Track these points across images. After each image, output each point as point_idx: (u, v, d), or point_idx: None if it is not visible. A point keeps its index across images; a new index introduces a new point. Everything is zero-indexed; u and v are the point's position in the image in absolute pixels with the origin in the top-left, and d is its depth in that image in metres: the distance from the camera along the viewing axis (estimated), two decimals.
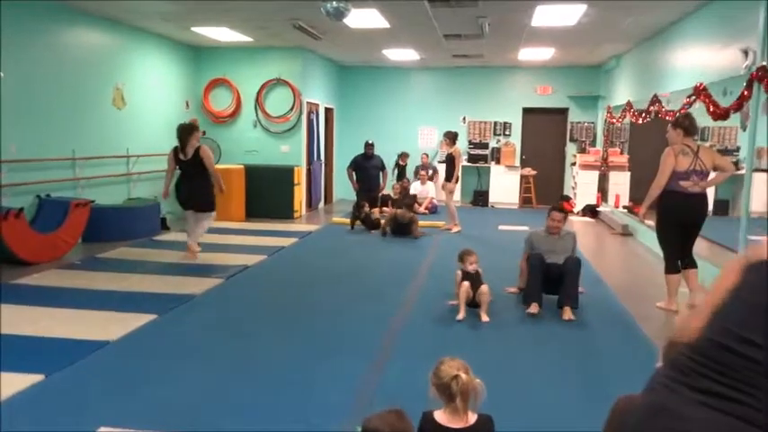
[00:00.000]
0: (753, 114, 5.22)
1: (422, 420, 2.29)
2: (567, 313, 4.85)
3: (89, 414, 3.06)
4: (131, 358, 3.88)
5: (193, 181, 6.51)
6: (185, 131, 6.45)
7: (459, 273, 5.05)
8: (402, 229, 8.64)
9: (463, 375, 2.23)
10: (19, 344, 3.99)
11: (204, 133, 10.81)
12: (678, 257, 5.16)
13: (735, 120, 5.85)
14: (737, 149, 10.77)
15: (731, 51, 5.75)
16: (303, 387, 3.46)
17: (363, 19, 7.57)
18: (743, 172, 10.52)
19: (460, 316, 4.77)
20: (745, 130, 5.41)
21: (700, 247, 6.82)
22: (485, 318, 4.77)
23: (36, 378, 3.43)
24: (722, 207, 10.64)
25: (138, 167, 9.07)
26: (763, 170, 10.27)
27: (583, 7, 6.89)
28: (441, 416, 2.26)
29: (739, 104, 5.39)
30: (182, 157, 6.47)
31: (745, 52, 5.34)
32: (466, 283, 4.88)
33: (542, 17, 7.47)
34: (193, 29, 8.93)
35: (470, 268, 4.98)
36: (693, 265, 5.19)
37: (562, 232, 5.34)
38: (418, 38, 9.31)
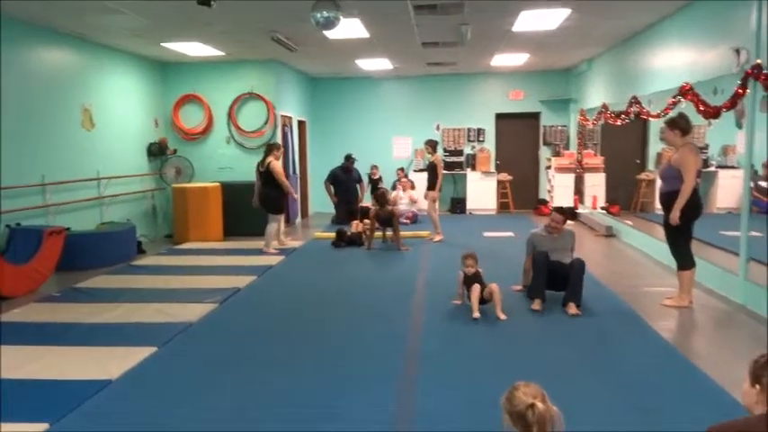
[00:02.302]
0: (750, 111, 5.25)
1: None
2: (573, 309, 5.14)
3: None
4: (138, 398, 3.59)
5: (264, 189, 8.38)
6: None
7: (461, 273, 5.37)
8: (387, 222, 8.63)
9: (540, 405, 2.06)
10: (15, 389, 3.66)
11: (175, 151, 10.47)
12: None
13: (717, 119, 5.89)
14: (706, 147, 11.07)
15: (720, 51, 5.80)
16: (336, 420, 3.24)
17: (344, 29, 7.41)
18: (711, 169, 10.87)
19: (476, 315, 5.02)
20: (740, 127, 5.43)
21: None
22: (502, 316, 5.05)
23: (41, 427, 3.13)
24: None
25: (110, 190, 8.68)
26: (728, 167, 10.63)
27: (567, 11, 6.88)
28: None
29: (733, 103, 5.42)
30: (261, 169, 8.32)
31: (737, 51, 5.38)
32: (477, 286, 5.14)
33: (525, 22, 7.45)
34: (163, 44, 8.61)
35: (469, 270, 5.29)
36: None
37: (562, 232, 5.64)
38: (396, 47, 9.20)
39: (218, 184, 9.93)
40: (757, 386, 1.84)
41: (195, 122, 10.62)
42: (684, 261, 5.30)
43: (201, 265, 7.58)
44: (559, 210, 5.81)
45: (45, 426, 3.16)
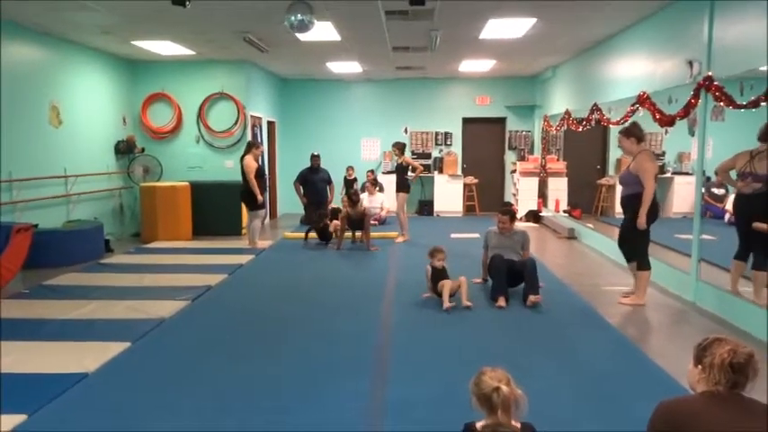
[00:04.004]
0: (701, 120, 5.57)
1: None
2: (533, 297, 5.53)
3: None
4: (115, 390, 3.66)
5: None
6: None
7: (429, 268, 5.70)
8: (357, 224, 8.75)
9: (504, 387, 2.22)
10: None
11: (143, 150, 10.42)
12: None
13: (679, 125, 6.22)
14: (663, 154, 11.53)
15: (675, 62, 6.13)
16: (309, 411, 3.36)
17: (315, 32, 7.51)
18: (668, 175, 11.31)
19: (447, 305, 5.38)
20: (693, 135, 5.75)
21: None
22: (467, 303, 5.47)
23: (19, 418, 3.19)
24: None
25: (78, 188, 8.61)
26: (683, 173, 11.09)
27: (532, 21, 7.14)
28: (483, 426, 2.26)
29: (686, 111, 5.74)
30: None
31: (690, 63, 5.70)
32: (447, 282, 5.51)
33: (492, 30, 7.69)
34: (133, 42, 8.59)
35: (438, 264, 5.63)
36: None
37: (513, 231, 6.11)
38: (366, 50, 9.36)
39: (187, 183, 9.91)
40: (699, 366, 2.05)
41: (164, 121, 10.59)
42: (646, 262, 5.58)
43: (171, 263, 7.59)
44: (504, 210, 6.19)
45: (23, 417, 3.21)
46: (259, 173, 8.69)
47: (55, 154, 8.19)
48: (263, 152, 11.15)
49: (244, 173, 8.54)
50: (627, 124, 6.34)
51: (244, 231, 10.27)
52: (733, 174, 5.32)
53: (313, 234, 9.14)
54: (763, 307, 4.70)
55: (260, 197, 8.58)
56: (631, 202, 5.42)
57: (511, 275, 5.76)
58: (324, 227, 9.08)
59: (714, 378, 1.98)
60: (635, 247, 5.58)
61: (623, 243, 5.72)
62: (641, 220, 5.32)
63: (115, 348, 4.32)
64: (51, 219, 7.99)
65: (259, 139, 11.41)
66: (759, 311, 4.71)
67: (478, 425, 2.28)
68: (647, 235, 5.50)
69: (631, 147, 5.51)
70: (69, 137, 8.55)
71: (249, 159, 8.54)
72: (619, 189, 5.91)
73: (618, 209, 6.00)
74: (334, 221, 9.47)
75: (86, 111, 9.04)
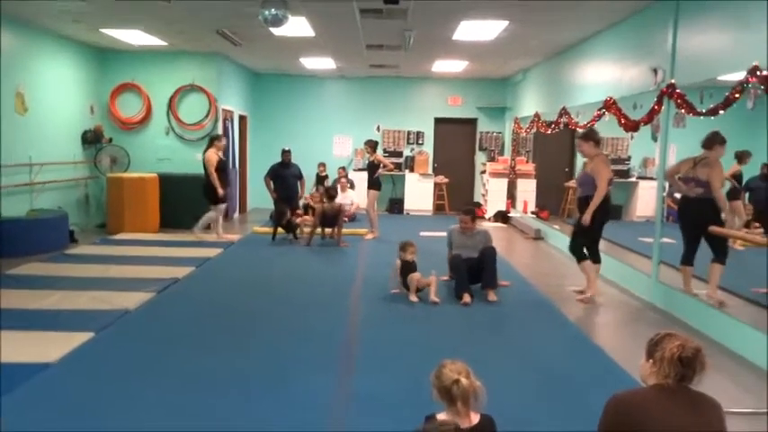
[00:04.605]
0: (664, 126, 5.74)
1: (425, 423, 2.33)
2: (491, 295, 5.79)
3: None
4: (78, 381, 3.63)
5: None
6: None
7: (399, 262, 5.87)
8: (331, 221, 8.71)
9: (464, 380, 2.28)
10: None
11: (111, 140, 10.26)
12: None
13: (643, 131, 6.40)
14: (629, 158, 11.80)
15: (641, 69, 6.30)
16: (276, 402, 3.39)
17: (290, 27, 7.51)
18: (633, 179, 11.57)
19: (413, 298, 5.66)
20: (656, 140, 5.93)
21: (600, 245, 7.75)
22: (435, 299, 5.65)
23: None
24: (617, 212, 11.57)
25: (42, 176, 8.44)
26: (648, 178, 11.36)
27: (504, 23, 7.26)
28: (444, 418, 2.31)
29: (650, 117, 5.91)
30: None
31: (655, 70, 5.87)
32: (416, 275, 5.73)
33: (464, 32, 7.78)
34: (103, 30, 8.45)
35: (409, 258, 5.82)
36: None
37: (475, 230, 6.24)
38: (340, 47, 9.38)
39: (155, 175, 9.79)
40: (651, 360, 2.15)
41: (133, 112, 10.44)
42: (597, 257, 5.95)
43: (138, 255, 7.51)
44: (466, 210, 6.32)
45: None
46: (222, 166, 8.63)
47: (20, 141, 8.01)
48: (230, 146, 11.12)
49: (205, 166, 8.53)
50: (586, 129, 6.71)
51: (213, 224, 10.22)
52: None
53: (281, 230, 9.09)
54: (715, 304, 4.97)
55: (221, 191, 8.52)
56: (586, 203, 5.73)
57: (472, 273, 5.91)
58: (288, 222, 9.04)
59: (664, 371, 2.07)
60: (587, 244, 5.90)
61: (575, 239, 6.02)
62: (586, 217, 5.69)
63: (78, 338, 4.27)
64: (14, 208, 7.82)
65: (230, 133, 11.33)
66: (710, 311, 4.93)
67: (439, 416, 2.35)
68: (599, 231, 5.89)
69: (590, 150, 5.85)
70: (35, 124, 8.37)
71: (211, 153, 8.56)
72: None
73: None
74: (305, 216, 9.47)
75: (53, 98, 8.87)
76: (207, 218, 8.80)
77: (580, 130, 8.30)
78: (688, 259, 5.45)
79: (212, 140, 8.77)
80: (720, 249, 5.28)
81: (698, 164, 5.29)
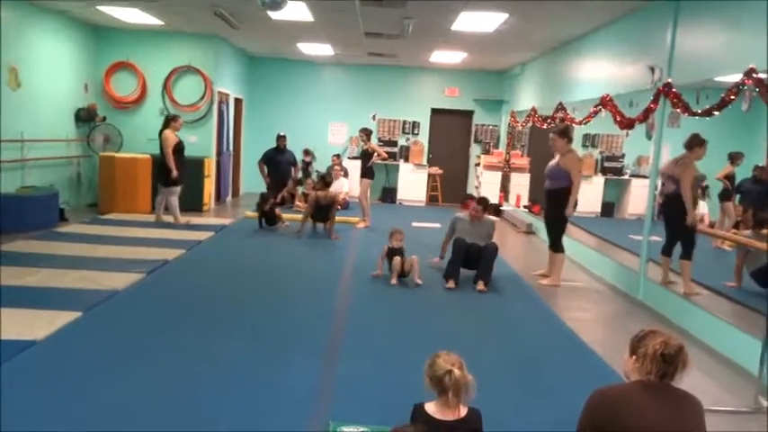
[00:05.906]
0: (659, 125, 5.75)
1: (413, 412, 2.35)
2: (481, 285, 5.89)
3: (25, 418, 2.86)
4: (63, 359, 3.62)
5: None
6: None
7: (386, 247, 6.13)
8: (323, 212, 8.32)
9: (456, 371, 2.30)
10: None
11: (104, 119, 10.18)
12: None
13: (638, 129, 6.42)
14: (623, 156, 11.83)
15: (638, 67, 6.29)
16: (262, 386, 3.40)
17: (288, 11, 7.45)
18: (625, 177, 11.60)
19: (393, 281, 5.88)
20: (650, 139, 5.94)
21: (591, 241, 8.00)
22: (418, 281, 5.92)
23: None
24: (608, 209, 11.61)
25: (34, 153, 8.37)
26: (641, 176, 11.40)
27: (504, 16, 7.23)
28: (432, 408, 2.33)
29: (645, 116, 5.92)
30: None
31: (652, 69, 5.87)
32: (398, 258, 5.93)
33: (464, 22, 7.74)
34: (99, 7, 8.36)
35: (396, 244, 6.06)
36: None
37: (483, 219, 6.37)
38: (339, 33, 9.32)
39: (148, 156, 9.73)
40: (634, 357, 2.16)
41: (128, 91, 10.36)
42: (558, 246, 6.40)
43: (128, 236, 7.48)
44: (480, 200, 6.57)
45: None
46: (179, 147, 8.34)
47: (12, 117, 7.93)
48: (225, 129, 11.05)
49: (162, 146, 8.23)
50: (560, 126, 7.05)
51: (205, 207, 10.20)
52: None
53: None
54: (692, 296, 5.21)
55: (174, 172, 8.18)
56: (558, 195, 6.18)
57: (468, 257, 6.07)
58: (270, 210, 8.71)
59: (646, 368, 2.09)
60: (556, 235, 6.33)
61: (553, 231, 6.41)
62: (569, 210, 6.15)
63: (65, 317, 4.26)
64: (5, 184, 7.76)
65: (226, 116, 11.27)
66: (693, 309, 4.97)
67: (427, 405, 2.36)
68: (565, 222, 6.37)
69: (564, 146, 6.29)
70: (28, 100, 8.29)
71: (168, 133, 8.24)
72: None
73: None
74: (299, 204, 9.42)
75: (47, 75, 8.77)
76: (171, 203, 8.44)
77: (576, 126, 8.33)
78: (666, 250, 5.73)
79: (168, 120, 8.44)
80: (685, 245, 5.53)
81: (677, 163, 5.54)
